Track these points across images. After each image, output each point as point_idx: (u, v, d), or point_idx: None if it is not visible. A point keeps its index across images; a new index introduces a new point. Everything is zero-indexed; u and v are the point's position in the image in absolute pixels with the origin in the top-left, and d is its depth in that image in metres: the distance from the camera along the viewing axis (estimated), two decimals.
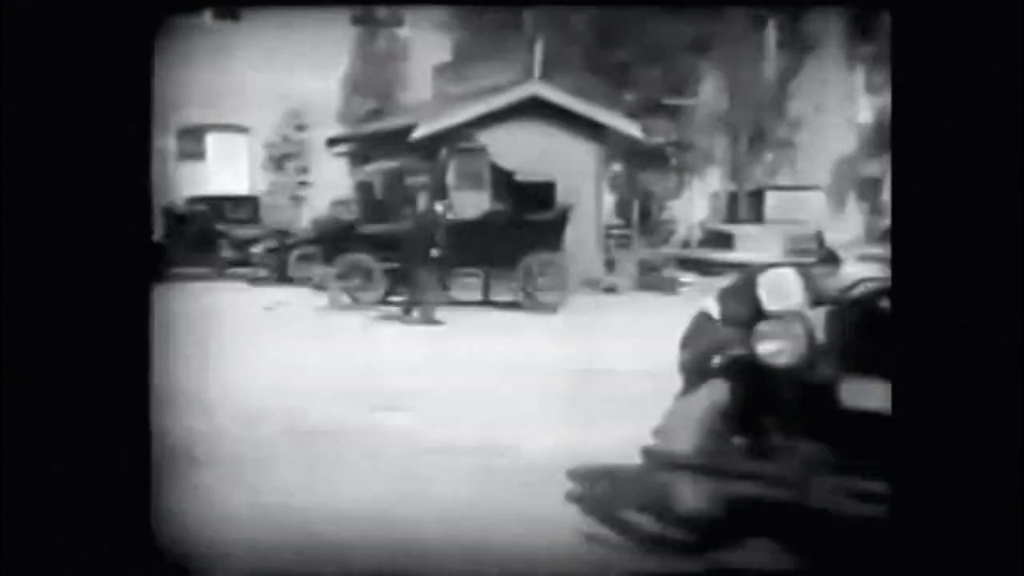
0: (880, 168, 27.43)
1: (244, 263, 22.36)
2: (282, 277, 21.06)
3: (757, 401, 5.43)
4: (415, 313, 15.72)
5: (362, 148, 24.40)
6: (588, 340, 13.80)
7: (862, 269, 5.94)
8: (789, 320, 5.41)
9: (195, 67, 22.81)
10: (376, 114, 27.31)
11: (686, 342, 6.25)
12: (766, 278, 5.95)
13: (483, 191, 18.17)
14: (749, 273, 6.20)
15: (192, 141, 27.03)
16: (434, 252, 15.72)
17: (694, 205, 28.62)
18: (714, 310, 6.21)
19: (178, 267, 21.90)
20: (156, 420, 4.31)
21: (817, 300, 5.73)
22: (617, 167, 27.59)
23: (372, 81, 28.04)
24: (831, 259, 5.92)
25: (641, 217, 27.56)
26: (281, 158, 27.64)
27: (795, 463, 5.11)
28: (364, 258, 17.44)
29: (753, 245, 21.58)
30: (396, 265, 16.91)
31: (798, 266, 6.05)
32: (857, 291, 5.65)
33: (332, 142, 25.82)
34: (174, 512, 4.94)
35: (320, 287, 18.07)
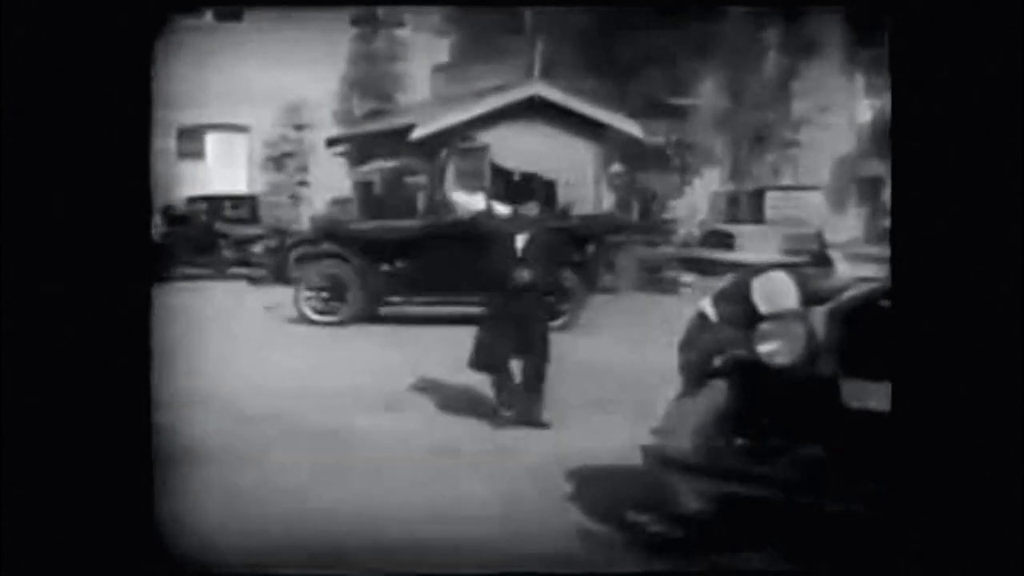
0: (880, 168, 27.40)
1: (244, 263, 22.35)
2: (281, 277, 21.04)
3: (757, 401, 5.43)
4: (508, 409, 8.81)
5: (361, 148, 24.39)
6: (588, 340, 13.79)
7: (857, 269, 5.94)
8: (789, 320, 5.41)
9: (195, 67, 22.80)
10: (375, 114, 27.29)
11: (685, 343, 6.25)
12: (759, 281, 5.95)
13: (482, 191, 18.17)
14: (743, 275, 6.20)
15: (192, 140, 27.04)
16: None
17: (694, 205, 28.54)
18: (711, 312, 6.21)
19: (178, 267, 21.89)
20: (156, 420, 4.31)
21: (812, 301, 5.73)
22: (617, 167, 27.56)
23: (372, 81, 28.02)
24: (824, 260, 5.93)
25: (641, 217, 27.53)
26: (280, 158, 27.62)
27: (795, 464, 5.11)
28: (337, 268, 15.46)
29: (753, 245, 21.57)
30: (396, 267, 16.78)
31: (791, 268, 6.05)
32: (856, 291, 5.64)
33: (331, 142, 25.81)
34: (174, 512, 4.94)
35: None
